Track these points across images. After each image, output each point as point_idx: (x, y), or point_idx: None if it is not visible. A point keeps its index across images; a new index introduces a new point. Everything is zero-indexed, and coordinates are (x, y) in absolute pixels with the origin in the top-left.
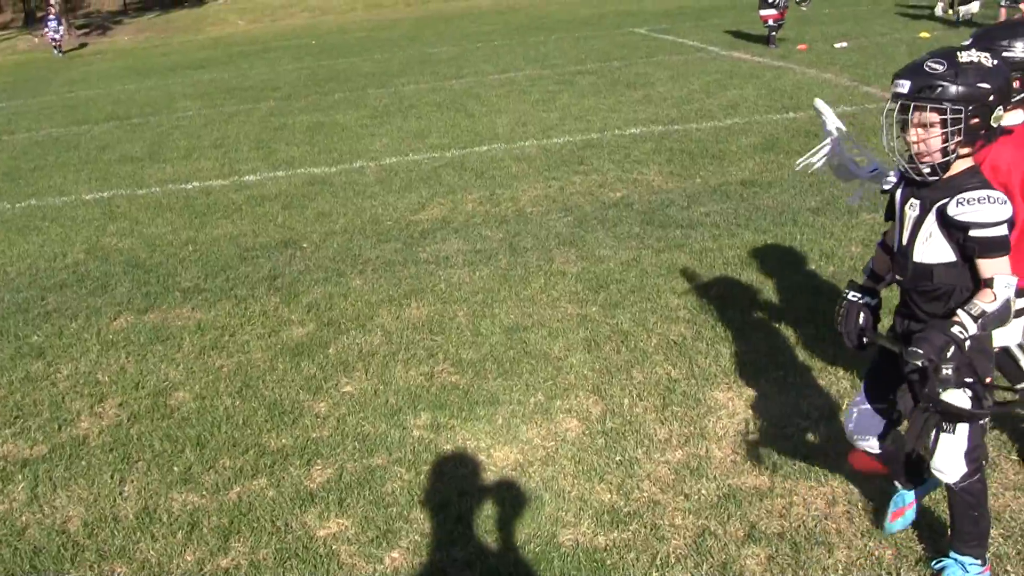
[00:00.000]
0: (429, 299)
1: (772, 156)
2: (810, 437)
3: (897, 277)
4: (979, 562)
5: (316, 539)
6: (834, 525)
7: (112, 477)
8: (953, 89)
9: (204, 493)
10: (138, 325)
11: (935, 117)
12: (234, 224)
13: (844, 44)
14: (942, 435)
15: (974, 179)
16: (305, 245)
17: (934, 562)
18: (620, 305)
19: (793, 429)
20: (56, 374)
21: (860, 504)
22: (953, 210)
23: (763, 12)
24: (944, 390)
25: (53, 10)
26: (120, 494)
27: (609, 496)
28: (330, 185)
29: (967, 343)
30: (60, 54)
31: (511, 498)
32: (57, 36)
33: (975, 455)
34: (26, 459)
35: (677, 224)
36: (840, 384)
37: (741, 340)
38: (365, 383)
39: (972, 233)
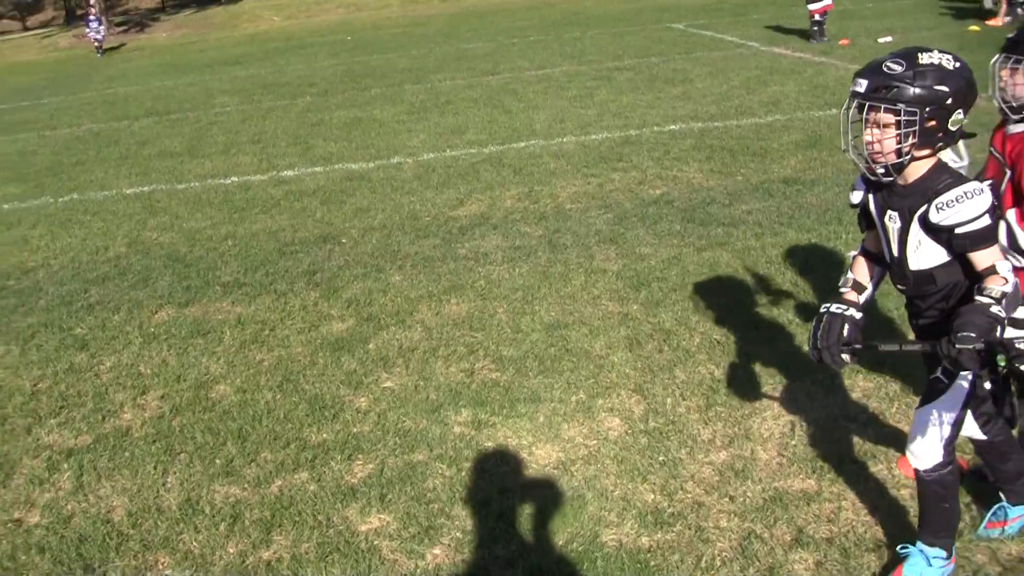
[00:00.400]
0: (469, 295)
1: (815, 153)
2: (858, 440)
3: (899, 287)
4: (944, 554)
5: (358, 534)
6: (885, 531)
7: (155, 468)
8: (910, 91)
9: (246, 486)
10: (179, 319)
11: (890, 118)
12: (273, 219)
13: (888, 39)
14: (928, 419)
15: (943, 177)
16: (344, 240)
17: (899, 547)
18: (662, 303)
19: (840, 432)
20: (99, 366)
21: (911, 510)
22: (935, 216)
23: (812, 7)
24: None
25: (93, 11)
26: (163, 485)
27: (652, 496)
28: (368, 181)
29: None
30: (101, 55)
31: (553, 496)
32: (99, 37)
33: (953, 447)
34: (71, 449)
35: (719, 222)
36: (888, 387)
37: (786, 340)
38: (405, 379)
39: (959, 231)
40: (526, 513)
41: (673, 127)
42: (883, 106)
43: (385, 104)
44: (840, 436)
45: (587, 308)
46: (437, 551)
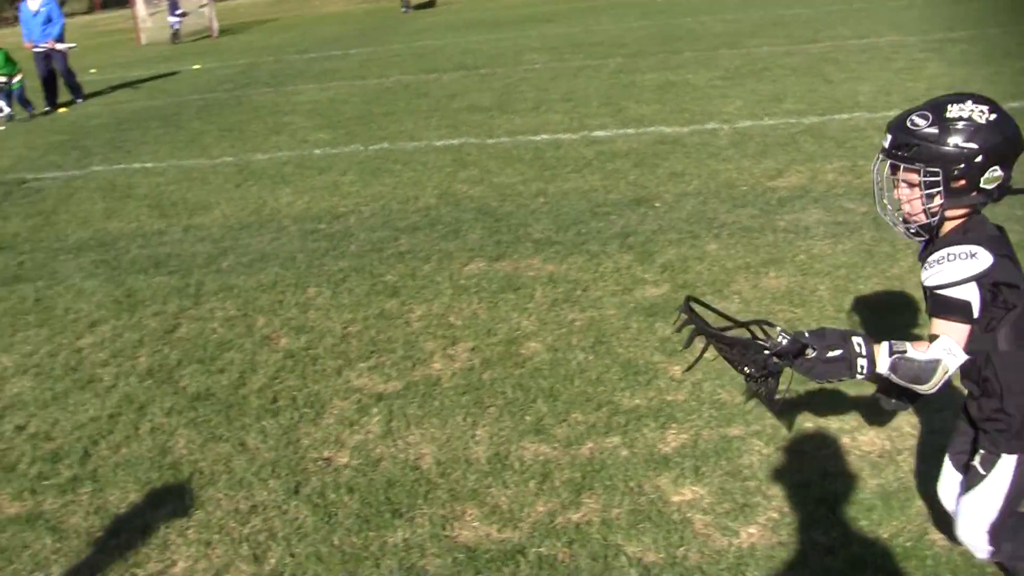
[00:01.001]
0: (788, 269)
1: None
2: None
3: None
4: None
5: (670, 504)
6: None
7: (464, 420)
8: (933, 149)
9: (556, 445)
10: (489, 272)
11: (914, 178)
12: (584, 179)
13: None
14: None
15: (954, 235)
16: (658, 204)
17: None
18: None
19: None
20: (409, 314)
21: None
22: (923, 274)
23: None
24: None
25: None
26: (472, 437)
27: None
28: (682, 145)
29: (862, 367)
30: (407, 10)
31: (878, 486)
32: None
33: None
34: (381, 393)
35: None
36: None
37: None
38: None
39: (933, 292)
40: (848, 500)
41: (1014, 104)
42: (903, 165)
43: (699, 68)
44: None
45: (916, 292)
46: (752, 530)
